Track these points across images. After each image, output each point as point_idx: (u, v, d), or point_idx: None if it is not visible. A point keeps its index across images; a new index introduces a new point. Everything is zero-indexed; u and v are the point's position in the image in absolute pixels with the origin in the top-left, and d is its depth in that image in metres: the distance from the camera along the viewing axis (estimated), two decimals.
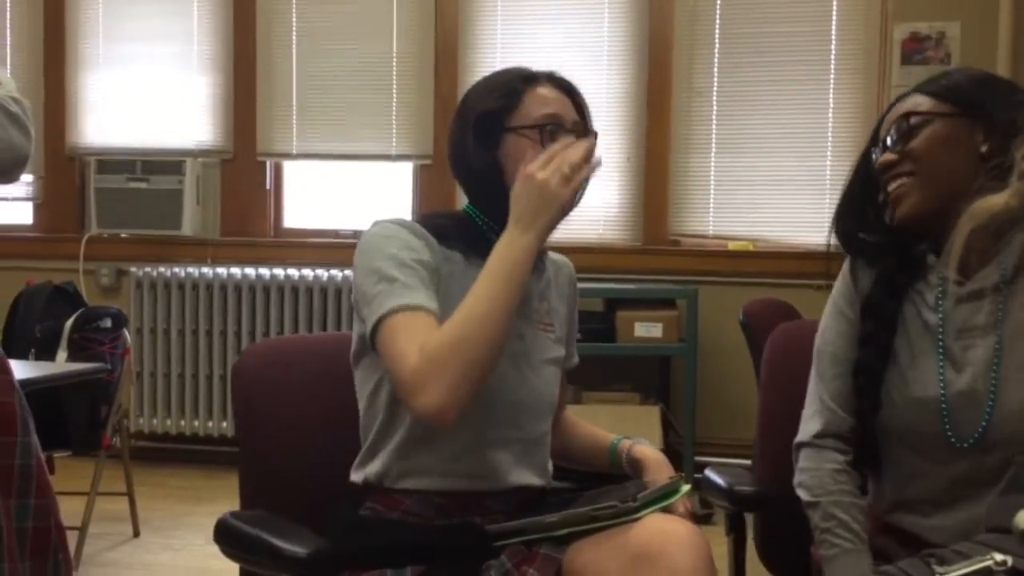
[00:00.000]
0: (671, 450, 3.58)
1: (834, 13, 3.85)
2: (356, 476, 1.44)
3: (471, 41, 4.08)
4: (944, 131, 1.33)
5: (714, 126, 3.96)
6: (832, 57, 3.85)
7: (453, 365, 1.24)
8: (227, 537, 1.32)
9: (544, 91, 1.43)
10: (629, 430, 3.91)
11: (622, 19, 4.01)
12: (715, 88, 3.95)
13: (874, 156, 1.40)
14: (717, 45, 3.94)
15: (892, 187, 1.36)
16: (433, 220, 1.43)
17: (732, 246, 3.96)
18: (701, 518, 3.46)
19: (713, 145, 3.96)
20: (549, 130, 1.40)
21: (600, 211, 4.04)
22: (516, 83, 1.43)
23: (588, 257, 3.94)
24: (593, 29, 4.02)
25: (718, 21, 3.94)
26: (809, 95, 3.87)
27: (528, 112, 1.41)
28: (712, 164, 3.97)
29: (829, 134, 3.85)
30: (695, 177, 3.99)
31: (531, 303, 1.47)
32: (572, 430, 1.62)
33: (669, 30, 3.98)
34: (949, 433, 1.33)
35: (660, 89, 4.00)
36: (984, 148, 1.31)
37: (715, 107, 3.95)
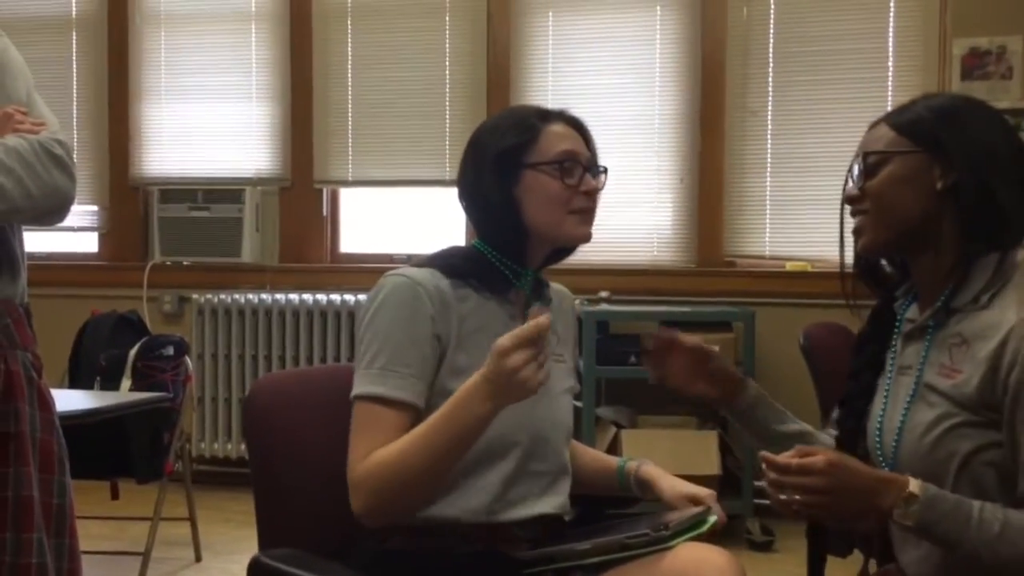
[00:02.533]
0: (729, 475, 3.53)
1: (891, 30, 3.79)
2: None
3: (522, 66, 4.10)
4: (901, 170, 1.35)
5: (769, 145, 3.92)
6: (889, 74, 3.79)
7: (384, 494, 1.35)
8: None
9: (559, 128, 1.47)
10: (686, 454, 3.86)
11: (674, 40, 4.00)
12: (770, 107, 3.91)
13: (847, 185, 1.42)
14: (771, 64, 3.91)
15: (854, 221, 1.40)
16: (445, 260, 1.46)
17: (789, 267, 3.90)
18: (761, 545, 3.40)
19: (768, 165, 3.92)
20: (567, 166, 1.44)
21: (654, 233, 4.02)
22: (532, 119, 1.47)
23: (642, 279, 3.92)
24: (645, 51, 4.02)
25: (772, 40, 3.91)
26: (866, 113, 3.74)
27: (546, 148, 1.45)
28: (768, 184, 3.93)
29: None
30: (750, 197, 3.96)
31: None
32: (577, 454, 1.63)
33: (722, 50, 3.96)
34: (882, 466, 1.38)
35: (714, 109, 3.98)
36: (940, 184, 1.33)
37: (770, 126, 3.91)
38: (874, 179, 1.36)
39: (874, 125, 1.41)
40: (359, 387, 1.39)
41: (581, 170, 1.46)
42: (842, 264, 1.45)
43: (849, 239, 1.42)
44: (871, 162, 1.37)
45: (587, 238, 1.48)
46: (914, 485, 1.24)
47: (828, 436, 1.53)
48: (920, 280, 1.39)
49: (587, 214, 1.47)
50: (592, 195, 1.47)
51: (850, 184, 1.40)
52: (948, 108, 1.37)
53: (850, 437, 1.44)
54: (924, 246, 1.35)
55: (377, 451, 1.35)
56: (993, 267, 1.31)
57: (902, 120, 1.37)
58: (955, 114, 1.36)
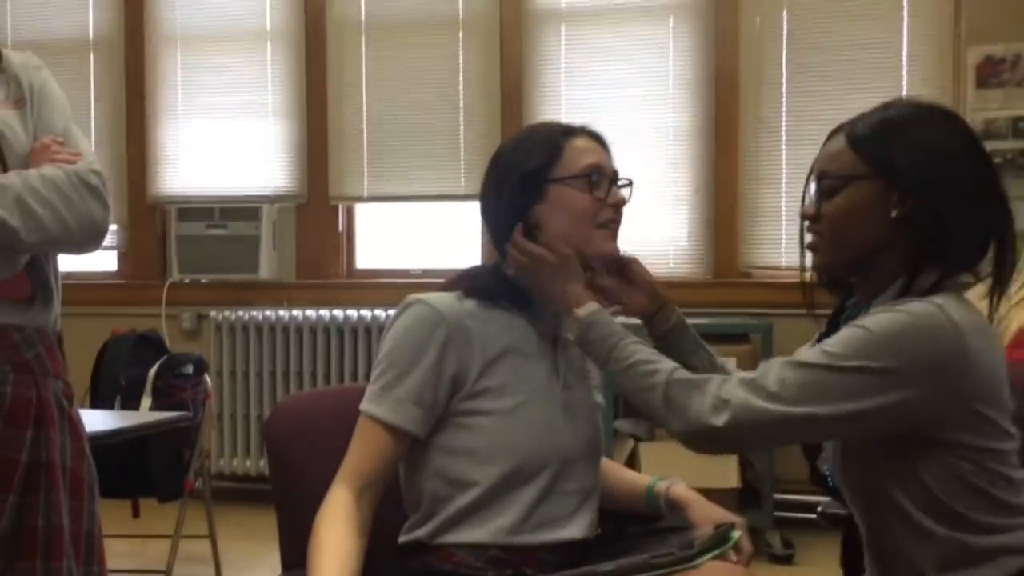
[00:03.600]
0: (749, 488, 3.51)
1: (905, 38, 3.78)
2: (406, 537, 1.45)
3: (536, 79, 4.11)
4: (857, 198, 1.32)
5: (784, 155, 3.91)
6: (904, 84, 3.78)
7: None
8: None
9: (582, 142, 1.47)
10: (705, 467, 3.84)
11: (687, 51, 4.01)
12: (784, 117, 3.91)
13: (805, 197, 1.40)
14: (785, 74, 3.90)
15: (809, 239, 1.38)
16: (471, 282, 1.46)
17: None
18: (782, 558, 3.38)
19: (783, 174, 3.92)
20: (594, 179, 1.44)
21: (670, 244, 4.02)
22: (555, 136, 1.47)
23: None
24: (658, 63, 4.02)
25: (785, 50, 3.90)
26: None
27: (571, 163, 1.45)
28: (783, 194, 3.92)
29: None
30: (766, 207, 3.95)
31: (569, 349, 1.49)
32: (607, 473, 1.62)
33: (735, 60, 3.96)
34: (830, 481, 1.44)
35: (728, 120, 3.98)
36: (895, 212, 1.30)
37: (784, 136, 3.91)
38: (830, 202, 1.34)
39: (833, 134, 1.38)
40: (362, 402, 1.44)
41: (608, 183, 1.46)
42: (803, 271, 1.43)
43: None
44: (827, 185, 1.34)
45: (614, 253, 1.47)
46: (584, 310, 1.37)
47: (736, 370, 1.52)
48: (865, 297, 1.37)
49: (614, 228, 1.47)
50: (619, 207, 1.47)
51: (808, 199, 1.38)
52: (907, 122, 1.33)
53: (812, 451, 1.47)
54: (876, 267, 1.33)
55: (331, 510, 1.37)
56: (924, 290, 1.29)
57: (859, 136, 1.33)
58: (912, 130, 1.32)
